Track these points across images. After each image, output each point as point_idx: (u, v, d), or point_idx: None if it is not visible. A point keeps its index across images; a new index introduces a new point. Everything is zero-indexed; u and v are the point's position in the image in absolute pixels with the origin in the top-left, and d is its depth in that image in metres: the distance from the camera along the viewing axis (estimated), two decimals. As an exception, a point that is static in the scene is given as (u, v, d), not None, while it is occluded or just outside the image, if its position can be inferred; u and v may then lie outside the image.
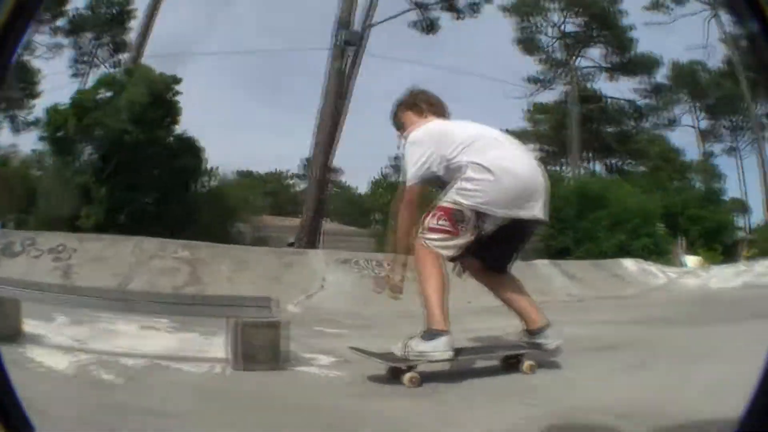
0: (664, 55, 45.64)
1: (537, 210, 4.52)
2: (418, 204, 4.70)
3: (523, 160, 4.62)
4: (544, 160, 51.53)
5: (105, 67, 36.71)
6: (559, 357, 4.75)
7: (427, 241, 4.43)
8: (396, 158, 58.45)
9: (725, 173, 47.03)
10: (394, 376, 4.26)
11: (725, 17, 41.37)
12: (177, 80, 23.98)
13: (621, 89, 49.42)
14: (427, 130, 4.70)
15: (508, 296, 4.82)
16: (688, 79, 46.25)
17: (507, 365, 4.62)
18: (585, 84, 46.70)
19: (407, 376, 4.13)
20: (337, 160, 27.74)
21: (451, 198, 4.43)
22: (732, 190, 44.26)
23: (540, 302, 10.01)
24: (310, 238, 23.92)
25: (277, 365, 4.48)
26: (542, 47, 46.08)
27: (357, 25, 26.68)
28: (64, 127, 22.08)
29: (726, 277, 15.96)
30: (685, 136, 53.91)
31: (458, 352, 4.43)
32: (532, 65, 47.11)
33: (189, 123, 24.42)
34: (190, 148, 24.18)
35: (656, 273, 17.53)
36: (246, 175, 40.12)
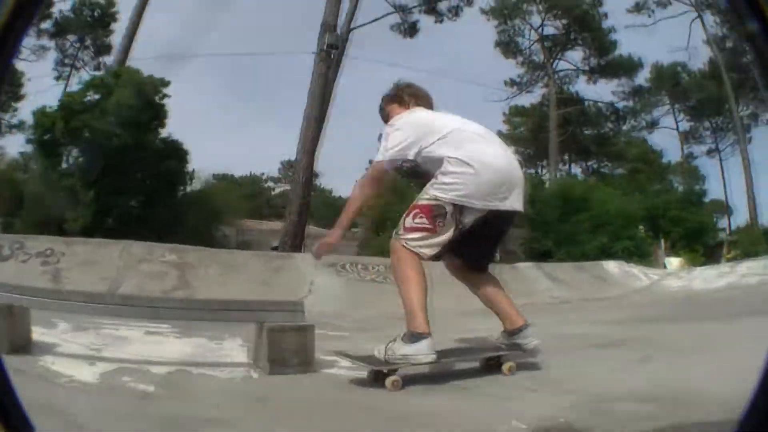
0: (646, 57, 46.00)
1: (515, 201, 4.56)
2: (380, 183, 4.87)
3: (500, 152, 4.66)
4: (522, 163, 51.23)
5: (86, 70, 36.64)
6: (539, 356, 4.80)
7: (405, 242, 4.44)
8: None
9: (706, 174, 47.41)
10: (375, 379, 4.27)
11: (709, 19, 41.80)
12: (165, 83, 23.93)
13: (600, 92, 49.79)
14: (408, 117, 4.78)
15: (488, 295, 4.84)
16: (669, 81, 46.54)
17: (487, 367, 4.64)
18: (564, 87, 46.99)
19: (389, 379, 4.13)
20: (318, 164, 27.73)
21: (428, 194, 4.47)
22: (713, 191, 44.61)
23: (525, 304, 10.19)
24: (294, 242, 23.86)
25: (309, 368, 4.50)
26: (521, 50, 46.37)
27: (339, 29, 26.79)
28: (52, 130, 21.95)
29: (709, 278, 16.10)
30: (665, 137, 54.15)
31: (439, 354, 4.41)
32: (511, 68, 47.41)
33: (172, 125, 24.42)
34: (176, 152, 24.14)
35: (638, 275, 17.67)
36: (222, 179, 39.98)
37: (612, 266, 18.11)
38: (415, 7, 37.38)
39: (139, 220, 19.78)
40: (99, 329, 5.46)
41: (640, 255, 24.66)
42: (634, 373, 4.70)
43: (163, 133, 24.22)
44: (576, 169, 51.29)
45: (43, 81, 34.58)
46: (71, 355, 4.59)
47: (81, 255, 11.42)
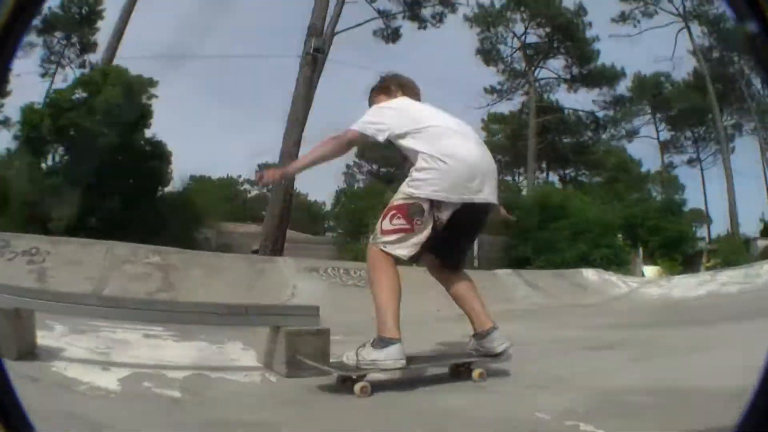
0: (628, 67, 46.22)
1: (488, 194, 4.59)
2: (343, 146, 4.81)
3: (474, 147, 4.68)
4: (499, 170, 51.13)
5: (71, 68, 36.50)
6: (510, 360, 4.71)
7: (383, 245, 4.43)
8: (348, 166, 58.25)
9: (685, 184, 47.69)
10: (344, 385, 4.19)
11: (696, 29, 42.13)
12: (153, 83, 23.94)
13: (581, 100, 49.96)
14: (390, 103, 4.86)
15: (460, 295, 4.80)
16: (651, 91, 46.77)
17: (457, 373, 4.60)
18: (544, 95, 47.11)
19: (358, 386, 4.06)
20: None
21: (403, 193, 4.48)
22: (693, 200, 44.91)
23: (505, 310, 10.42)
24: (275, 246, 23.84)
25: (327, 372, 4.39)
26: (502, 58, 46.43)
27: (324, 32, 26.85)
28: (39, 127, 21.90)
29: (689, 286, 16.33)
30: (645, 147, 54.48)
31: (409, 360, 4.38)
32: (492, 75, 47.48)
33: (154, 125, 24.41)
34: (159, 152, 24.15)
35: (617, 283, 17.88)
36: (200, 180, 39.85)
37: (591, 274, 18.32)
38: (398, 12, 37.54)
39: (122, 221, 19.66)
40: (97, 332, 5.37)
41: (619, 263, 24.89)
42: (634, 371, 4.92)
43: (148, 133, 24.24)
44: (553, 177, 51.50)
45: (28, 77, 34.30)
46: (81, 360, 4.48)
47: (66, 254, 11.38)
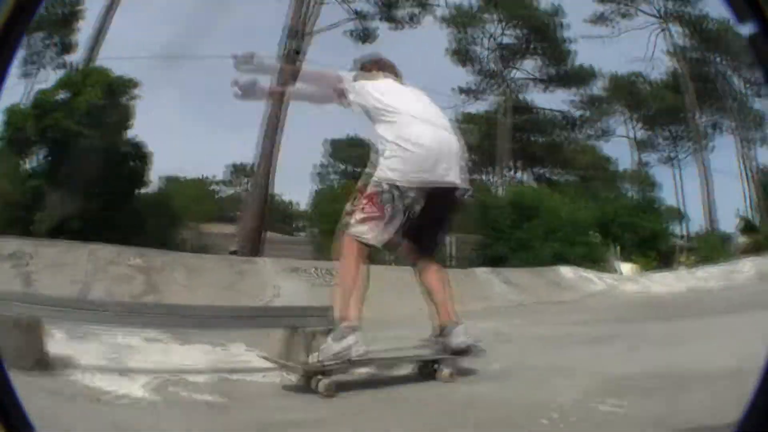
0: (604, 67, 46.26)
1: (454, 177, 4.76)
2: (329, 80, 5.28)
3: (438, 132, 4.84)
4: (470, 170, 51.15)
5: (50, 68, 36.24)
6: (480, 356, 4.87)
7: (355, 234, 4.59)
8: (321, 166, 58.00)
9: (660, 182, 47.87)
10: (308, 385, 4.27)
11: (675, 30, 42.29)
12: (134, 83, 23.77)
13: (555, 100, 49.93)
14: (376, 82, 5.13)
15: (432, 287, 4.91)
16: (626, 91, 46.90)
17: (425, 374, 4.72)
18: (517, 95, 47.05)
19: (323, 383, 4.14)
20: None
21: (373, 180, 4.69)
22: (669, 198, 45.07)
23: (485, 308, 10.65)
24: (253, 247, 23.81)
25: (346, 370, 4.53)
26: (476, 58, 46.28)
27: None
28: (24, 129, 21.72)
29: (667, 282, 16.63)
30: (619, 146, 54.52)
31: (375, 361, 4.60)
32: (465, 76, 47.27)
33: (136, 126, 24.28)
34: (141, 154, 23.96)
35: (594, 279, 18.06)
36: (172, 181, 39.44)
37: (567, 271, 18.46)
38: (374, 14, 37.56)
39: (103, 222, 19.53)
40: (96, 337, 5.26)
41: (594, 260, 25.07)
42: (634, 359, 5.30)
43: (129, 134, 24.06)
44: (525, 176, 51.52)
45: (9, 79, 33.77)
46: (96, 368, 4.39)
47: (49, 257, 11.25)
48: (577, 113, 47.47)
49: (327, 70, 5.41)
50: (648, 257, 28.36)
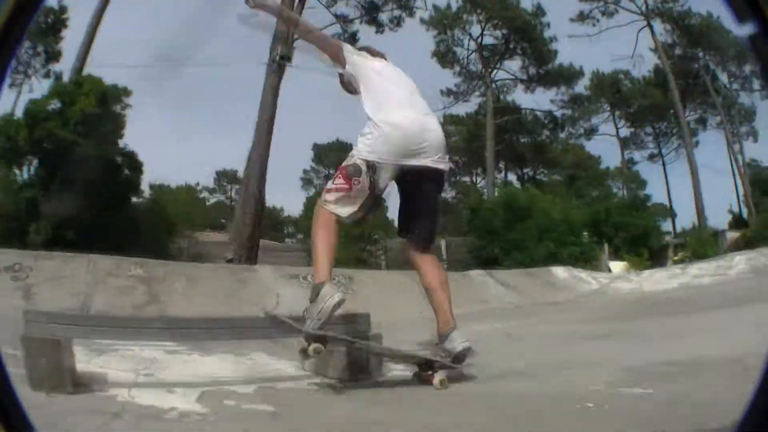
0: (587, 66, 46.52)
1: (428, 161, 4.83)
2: (326, 43, 5.58)
3: (418, 116, 4.96)
4: (456, 172, 52.11)
5: (36, 78, 36.17)
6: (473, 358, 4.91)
7: (325, 204, 4.74)
8: (306, 171, 57.93)
9: (647, 179, 48.13)
10: (305, 353, 4.45)
11: (658, 27, 42.58)
12: (128, 92, 23.97)
13: (539, 100, 50.17)
14: (374, 61, 5.33)
15: (432, 289, 4.93)
16: (610, 89, 47.15)
17: (423, 379, 4.66)
18: (501, 96, 47.29)
19: (311, 347, 4.28)
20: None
21: (348, 155, 4.82)
22: (656, 195, 45.35)
23: (482, 310, 10.71)
24: (250, 254, 23.79)
25: (380, 375, 4.69)
26: (459, 60, 46.80)
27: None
28: (15, 139, 21.72)
29: (661, 280, 16.74)
30: (605, 144, 54.81)
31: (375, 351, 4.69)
32: (449, 78, 47.43)
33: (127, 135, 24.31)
34: (133, 163, 24.05)
35: (587, 279, 18.18)
36: (159, 189, 39.41)
37: (561, 271, 18.57)
38: (356, 18, 37.71)
39: (98, 232, 19.43)
40: (117, 351, 5.17)
41: (587, 260, 25.29)
42: (647, 350, 5.54)
43: (121, 143, 24.21)
44: (511, 177, 51.78)
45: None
46: (133, 384, 4.30)
47: (48, 270, 11.11)
48: (562, 112, 47.68)
49: (329, 36, 5.58)
50: (639, 255, 28.53)
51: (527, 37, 43.78)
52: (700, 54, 43.09)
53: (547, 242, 25.92)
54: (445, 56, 45.92)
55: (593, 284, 17.56)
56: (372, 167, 4.71)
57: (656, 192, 48.85)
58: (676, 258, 30.02)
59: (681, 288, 14.69)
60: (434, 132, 4.98)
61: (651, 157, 49.22)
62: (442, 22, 44.45)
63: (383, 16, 38.11)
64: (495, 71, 46.51)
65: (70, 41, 34.63)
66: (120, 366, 4.77)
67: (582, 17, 43.36)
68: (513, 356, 5.84)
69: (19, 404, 1.58)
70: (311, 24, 5.29)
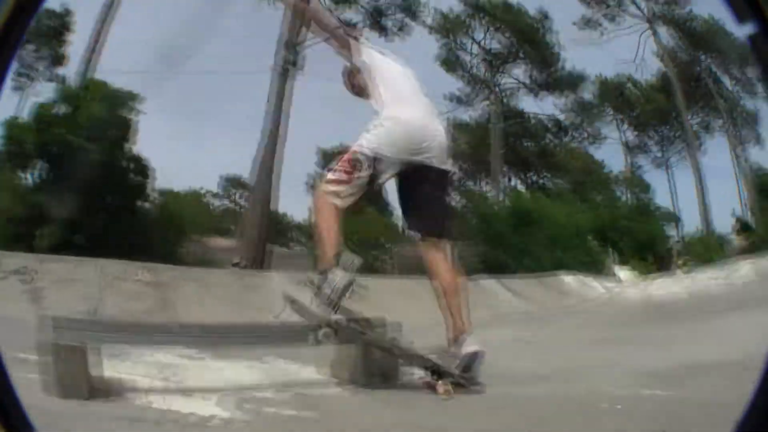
0: (591, 70, 46.39)
1: (433, 160, 4.91)
2: (341, 37, 5.53)
3: (423, 115, 5.04)
4: (461, 178, 52.12)
5: (40, 81, 36.09)
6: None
7: (324, 192, 4.80)
8: (311, 176, 58.10)
9: (652, 184, 47.99)
10: (317, 340, 4.46)
11: (662, 31, 42.52)
12: (137, 97, 23.66)
13: (545, 106, 50.01)
14: (385, 58, 5.38)
15: (449, 292, 4.88)
16: (614, 94, 47.06)
17: (428, 385, 4.64)
18: (506, 101, 47.19)
19: (321, 332, 4.38)
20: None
21: (358, 141, 4.85)
22: (660, 200, 45.16)
23: (493, 316, 10.69)
24: (258, 259, 23.78)
25: (407, 380, 4.71)
26: (464, 65, 46.51)
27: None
28: (23, 142, 21.58)
29: (667, 286, 16.74)
30: (609, 149, 54.63)
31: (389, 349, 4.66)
32: (454, 83, 47.29)
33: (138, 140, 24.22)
34: (142, 168, 23.94)
35: (595, 286, 18.24)
36: (168, 194, 39.31)
37: (569, 278, 18.61)
38: (361, 23, 37.67)
39: (107, 237, 19.39)
40: (130, 357, 5.04)
41: (593, 266, 25.25)
42: (665, 355, 5.73)
43: (130, 148, 23.93)
44: (516, 182, 51.69)
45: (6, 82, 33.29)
46: (162, 390, 4.25)
47: (57, 273, 11.06)
48: (566, 118, 47.55)
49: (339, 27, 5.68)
50: (646, 261, 28.46)
51: (532, 43, 43.63)
52: (703, 57, 43.03)
53: (555, 248, 25.84)
54: (450, 62, 45.82)
55: (601, 291, 17.59)
56: (374, 160, 4.76)
57: (661, 197, 48.50)
58: (681, 263, 29.89)
59: (688, 294, 14.70)
60: (439, 133, 5.06)
61: (656, 162, 49.07)
62: (446, 27, 44.38)
63: (389, 22, 38.09)
64: (500, 77, 46.40)
65: (76, 45, 34.62)
66: (134, 371, 4.71)
67: (587, 23, 43.28)
68: (532, 361, 6.01)
69: (19, 404, 1.56)
70: (323, 14, 5.32)
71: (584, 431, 3.55)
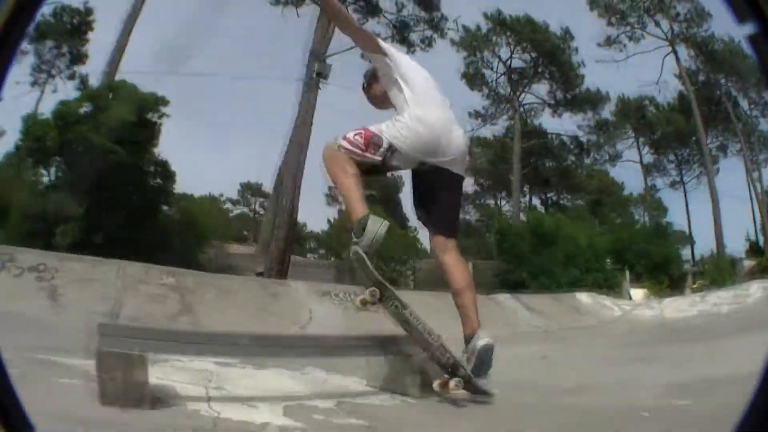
0: (613, 90, 46.45)
1: (444, 162, 4.97)
2: (353, 31, 5.61)
3: (447, 123, 5.07)
4: (480, 194, 52.44)
5: (61, 78, 36.15)
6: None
7: (340, 147, 4.89)
8: (331, 188, 58.36)
9: (668, 206, 47.94)
10: (364, 304, 4.62)
11: (683, 53, 42.55)
12: (164, 101, 23.81)
13: (565, 125, 50.12)
14: (410, 58, 5.48)
15: (454, 285, 4.96)
16: (635, 115, 47.07)
17: (440, 384, 4.69)
18: (528, 119, 47.31)
19: (369, 291, 4.52)
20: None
21: (382, 125, 4.93)
22: (676, 222, 45.14)
23: (512, 333, 10.75)
24: (280, 268, 23.79)
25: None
26: (487, 82, 46.75)
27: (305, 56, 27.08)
28: (44, 139, 21.57)
29: (680, 307, 16.77)
30: (628, 170, 54.64)
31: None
32: (477, 100, 47.39)
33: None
34: (165, 172, 24.07)
35: (611, 305, 18.21)
36: (186, 199, 39.51)
37: (585, 297, 18.62)
38: (387, 37, 37.76)
39: (127, 239, 19.39)
40: (171, 364, 4.98)
41: (609, 286, 25.26)
42: (683, 372, 5.94)
43: (155, 151, 24.09)
44: (535, 200, 51.77)
45: (17, 87, 33.33)
46: (214, 399, 4.16)
47: (76, 272, 10.89)
48: (587, 138, 47.60)
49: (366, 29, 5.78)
50: (660, 283, 28.43)
51: (555, 61, 43.72)
52: (722, 80, 43.04)
53: (573, 268, 25.89)
54: (473, 78, 45.93)
55: (616, 310, 17.61)
56: (392, 149, 4.85)
57: (676, 219, 48.50)
58: (694, 286, 29.87)
59: (700, 315, 14.83)
60: (459, 140, 5.14)
61: (673, 184, 49.05)
62: (471, 44, 44.48)
63: (414, 36, 38.15)
64: (523, 94, 46.52)
65: (96, 43, 34.78)
66: (182, 379, 4.66)
67: (609, 42, 43.37)
68: (557, 376, 6.22)
69: (19, 404, 1.57)
70: (351, 16, 5.35)
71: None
